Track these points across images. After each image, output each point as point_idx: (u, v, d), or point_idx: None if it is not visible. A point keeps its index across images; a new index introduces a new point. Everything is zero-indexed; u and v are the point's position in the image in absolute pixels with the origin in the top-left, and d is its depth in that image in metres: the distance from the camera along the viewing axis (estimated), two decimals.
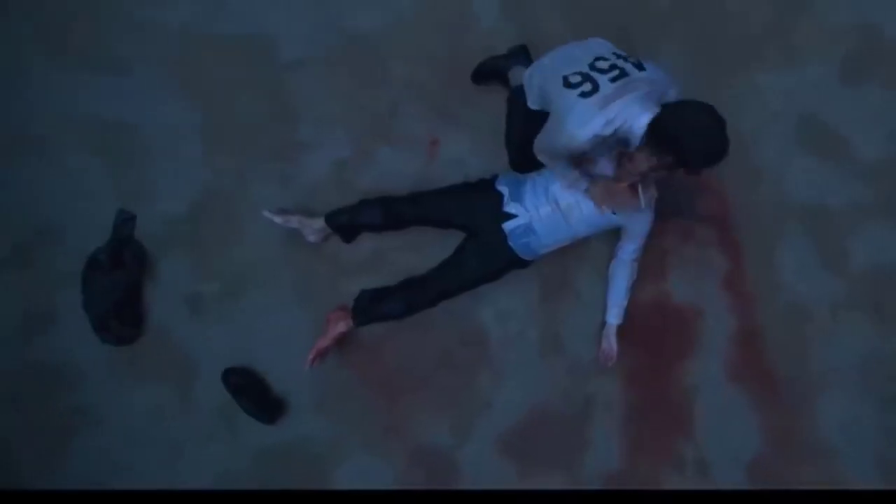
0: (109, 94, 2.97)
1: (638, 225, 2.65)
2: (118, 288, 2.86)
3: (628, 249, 2.73)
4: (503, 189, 2.66)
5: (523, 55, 2.81)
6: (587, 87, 2.26)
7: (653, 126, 2.20)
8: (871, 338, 2.97)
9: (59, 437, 2.90)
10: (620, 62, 2.32)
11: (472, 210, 2.70)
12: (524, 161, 2.67)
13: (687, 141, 2.17)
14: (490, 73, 2.84)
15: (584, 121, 2.25)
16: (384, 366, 2.90)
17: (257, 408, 2.83)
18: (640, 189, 2.53)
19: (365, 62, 2.97)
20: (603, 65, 2.30)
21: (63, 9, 2.99)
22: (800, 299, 2.98)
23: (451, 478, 2.87)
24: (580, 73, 2.31)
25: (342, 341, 2.83)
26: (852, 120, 3.04)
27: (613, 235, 2.80)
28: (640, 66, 2.31)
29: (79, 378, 2.91)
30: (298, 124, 2.96)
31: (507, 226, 2.63)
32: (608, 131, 2.24)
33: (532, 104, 2.56)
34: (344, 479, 2.86)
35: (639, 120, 2.21)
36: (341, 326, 2.77)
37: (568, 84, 2.31)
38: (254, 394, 2.84)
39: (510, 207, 2.63)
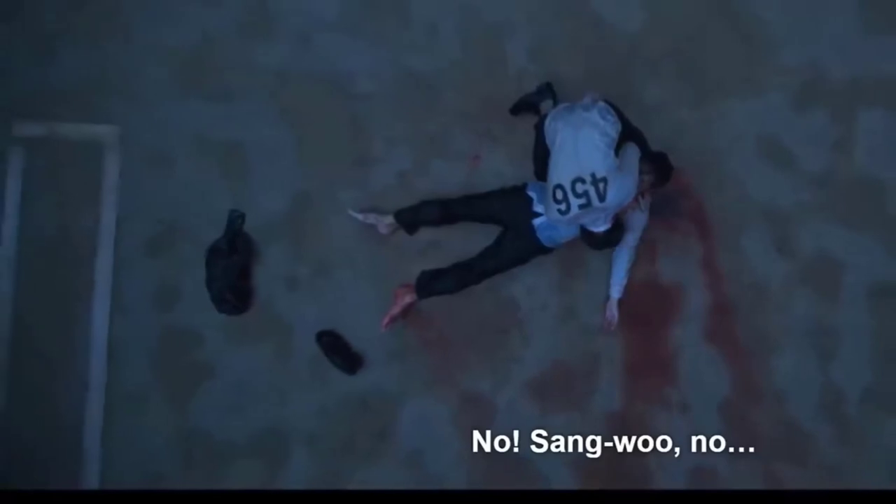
0: (222, 117, 3.82)
1: (637, 221, 3.48)
2: (234, 270, 3.69)
3: (629, 239, 3.54)
4: (532, 194, 3.50)
5: (549, 91, 3.66)
6: (563, 206, 3.26)
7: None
8: (815, 308, 3.79)
9: (186, 386, 3.73)
10: (591, 190, 3.20)
11: (508, 210, 3.53)
12: (546, 174, 3.52)
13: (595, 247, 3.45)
14: (524, 106, 3.70)
15: (556, 222, 3.38)
16: (439, 329, 3.74)
17: (342, 361, 3.67)
18: (639, 198, 3.40)
19: (422, 94, 3.82)
20: (579, 189, 3.21)
21: (188, 50, 3.83)
22: (760, 278, 3.81)
23: (491, 415, 3.71)
24: (563, 191, 3.24)
25: (407, 311, 3.66)
26: (801, 138, 3.86)
27: None
28: (602, 197, 3.20)
29: (201, 340, 3.74)
30: (371, 142, 3.81)
31: (536, 222, 3.47)
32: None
33: (548, 144, 3.39)
34: (409, 417, 3.70)
35: (594, 226, 3.34)
36: (407, 299, 3.61)
37: (554, 198, 3.26)
38: (339, 351, 3.67)
39: (538, 208, 3.46)
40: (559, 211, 3.29)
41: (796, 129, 3.87)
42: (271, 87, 3.83)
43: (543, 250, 3.55)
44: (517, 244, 3.54)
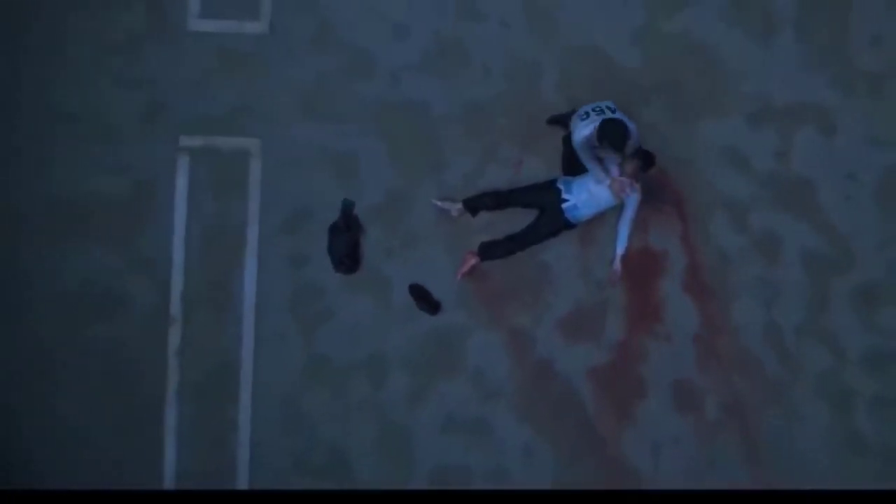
0: (336, 133, 5.29)
1: (633, 201, 4.92)
2: (348, 242, 5.17)
3: (628, 214, 4.96)
4: (561, 186, 4.97)
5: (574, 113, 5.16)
6: (587, 121, 4.73)
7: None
8: (762, 269, 5.25)
9: (314, 325, 5.21)
10: (606, 109, 4.77)
11: (543, 198, 5.01)
12: (571, 172, 5.04)
13: (609, 136, 4.72)
14: (558, 121, 5.17)
15: (583, 128, 4.77)
16: (493, 284, 5.23)
17: (427, 306, 5.16)
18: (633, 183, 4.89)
19: (480, 117, 5.31)
20: (597, 109, 4.78)
21: (309, 84, 5.32)
22: (723, 248, 5.27)
23: (531, 344, 5.21)
24: (587, 112, 4.79)
25: (473, 270, 5.14)
26: (755, 149, 5.31)
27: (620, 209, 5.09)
28: (614, 111, 4.78)
29: (324, 292, 5.23)
30: (443, 152, 5.29)
31: (564, 206, 4.95)
32: (590, 132, 4.76)
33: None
34: (474, 345, 5.19)
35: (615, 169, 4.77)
36: (472, 261, 5.10)
37: (581, 118, 4.79)
38: (424, 298, 5.16)
39: (566, 196, 4.95)
40: (584, 124, 4.78)
41: (750, 142, 5.33)
42: (371, 111, 5.30)
43: (569, 227, 5.03)
44: (550, 223, 5.02)
